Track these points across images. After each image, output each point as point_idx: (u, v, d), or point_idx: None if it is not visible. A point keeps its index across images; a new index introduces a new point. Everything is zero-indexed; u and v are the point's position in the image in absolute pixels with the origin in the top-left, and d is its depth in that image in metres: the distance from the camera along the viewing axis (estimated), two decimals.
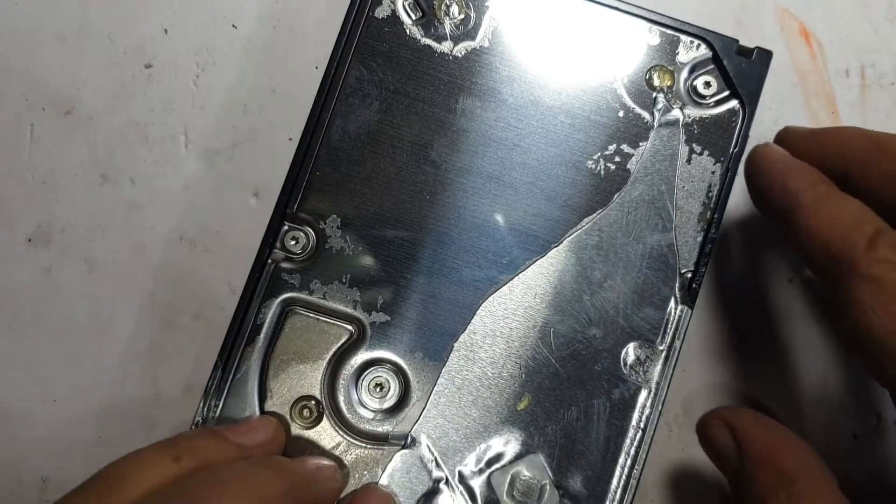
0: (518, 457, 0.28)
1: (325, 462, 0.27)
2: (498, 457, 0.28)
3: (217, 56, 0.34)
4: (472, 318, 0.28)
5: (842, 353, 0.33)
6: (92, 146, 0.33)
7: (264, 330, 0.28)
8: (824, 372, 0.33)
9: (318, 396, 0.28)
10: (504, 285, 0.29)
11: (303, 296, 0.28)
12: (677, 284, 0.28)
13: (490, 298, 0.29)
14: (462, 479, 0.28)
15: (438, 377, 0.28)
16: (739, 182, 0.29)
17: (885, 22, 0.34)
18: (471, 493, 0.28)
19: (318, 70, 0.33)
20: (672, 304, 0.28)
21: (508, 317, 0.28)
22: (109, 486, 0.22)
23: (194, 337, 0.33)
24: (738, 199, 0.31)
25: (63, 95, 0.33)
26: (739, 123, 0.29)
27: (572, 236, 0.29)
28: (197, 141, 0.33)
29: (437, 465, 0.28)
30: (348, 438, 0.28)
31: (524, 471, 0.28)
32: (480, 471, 0.28)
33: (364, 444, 0.28)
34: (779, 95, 0.34)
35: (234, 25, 0.34)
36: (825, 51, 0.34)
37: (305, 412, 0.28)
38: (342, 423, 0.28)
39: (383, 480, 0.27)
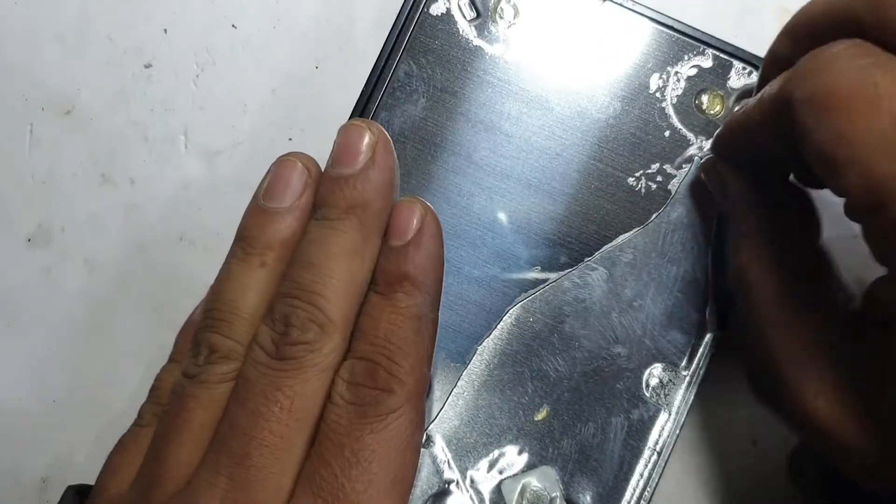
0: (531, 467, 0.28)
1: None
2: (510, 465, 0.28)
3: (217, 56, 0.34)
4: (499, 323, 0.28)
5: None
6: (92, 146, 0.33)
7: None
8: None
9: None
10: (534, 294, 0.28)
11: None
12: (708, 311, 0.28)
13: (518, 305, 0.28)
14: (473, 482, 0.27)
15: (459, 379, 0.28)
16: None
17: None
18: (480, 497, 0.27)
19: (319, 70, 0.33)
20: (701, 329, 0.28)
21: (535, 326, 0.28)
22: (227, 324, 0.23)
23: None
24: None
25: (63, 95, 0.33)
26: None
27: (606, 251, 0.29)
28: (197, 141, 0.33)
29: (450, 466, 0.28)
30: None
31: (535, 481, 0.27)
32: (492, 477, 0.28)
33: None
34: None
35: (234, 25, 0.34)
36: None
37: None
38: None
39: None
